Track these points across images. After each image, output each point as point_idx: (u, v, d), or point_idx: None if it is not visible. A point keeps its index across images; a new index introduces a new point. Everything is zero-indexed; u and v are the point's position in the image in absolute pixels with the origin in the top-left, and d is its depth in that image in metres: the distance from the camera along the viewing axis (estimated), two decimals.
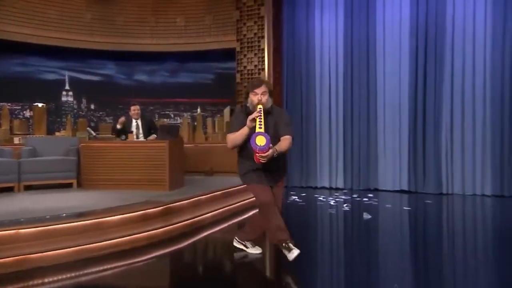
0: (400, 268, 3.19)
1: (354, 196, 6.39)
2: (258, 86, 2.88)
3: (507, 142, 6.16)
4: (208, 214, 4.63)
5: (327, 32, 7.32)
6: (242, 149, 3.01)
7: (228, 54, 7.57)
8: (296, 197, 6.32)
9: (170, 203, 4.37)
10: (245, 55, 7.19)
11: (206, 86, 8.29)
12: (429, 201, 5.89)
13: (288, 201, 6.05)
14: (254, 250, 3.34)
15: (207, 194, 5.12)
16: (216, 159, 7.39)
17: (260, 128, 2.69)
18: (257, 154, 2.65)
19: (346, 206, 5.62)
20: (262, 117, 2.73)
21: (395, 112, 6.87)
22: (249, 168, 2.97)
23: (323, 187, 7.33)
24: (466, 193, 6.40)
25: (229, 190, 5.66)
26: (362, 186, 7.02)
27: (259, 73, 7.06)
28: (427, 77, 6.58)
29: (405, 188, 6.75)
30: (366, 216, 4.86)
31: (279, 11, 7.29)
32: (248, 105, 2.95)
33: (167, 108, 8.54)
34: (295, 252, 2.88)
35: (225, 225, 4.58)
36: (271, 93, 2.93)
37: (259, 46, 7.06)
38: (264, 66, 7.00)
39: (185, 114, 8.41)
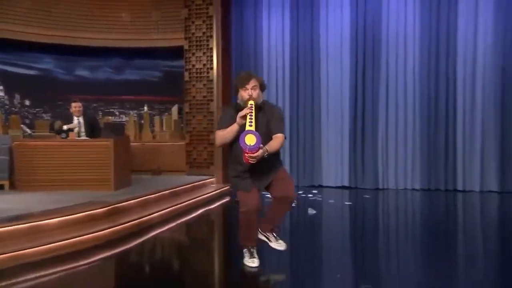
0: (342, 260, 3.36)
1: (300, 192, 6.59)
2: (248, 80, 2.64)
3: (433, 140, 6.72)
4: (156, 214, 4.51)
5: (274, 34, 7.46)
6: (231, 148, 2.78)
7: (177, 52, 7.41)
8: None
9: (116, 203, 4.18)
10: (193, 54, 7.08)
11: (154, 84, 8.04)
12: (367, 196, 6.26)
13: (236, 199, 6.08)
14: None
15: (155, 194, 4.98)
16: (164, 158, 7.20)
17: (251, 125, 2.46)
18: (246, 154, 2.43)
19: (293, 203, 5.77)
20: (253, 114, 2.52)
21: (337, 112, 7.20)
22: (238, 170, 2.76)
23: None
24: (399, 188, 6.89)
25: (177, 189, 5.57)
26: (307, 182, 7.26)
27: (208, 72, 7.00)
28: (366, 79, 6.97)
29: (346, 184, 7.09)
30: (311, 211, 5.04)
31: (228, 11, 7.28)
32: (238, 101, 2.72)
33: (111, 105, 8.14)
34: (255, 262, 2.87)
35: (174, 224, 4.50)
36: (262, 87, 2.72)
37: (208, 45, 7.00)
38: (213, 66, 6.95)
39: (131, 112, 8.08)
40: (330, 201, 5.95)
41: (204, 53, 7.01)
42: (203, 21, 6.97)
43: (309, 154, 7.28)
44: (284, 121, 2.79)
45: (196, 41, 7.03)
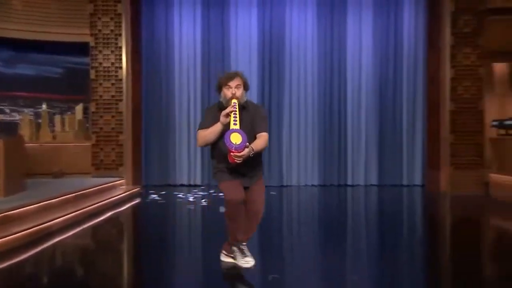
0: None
1: (211, 191, 6.64)
2: (232, 78, 2.54)
3: (328, 141, 7.38)
4: (57, 220, 4.10)
5: (185, 35, 7.38)
6: (214, 148, 2.64)
7: (81, 49, 6.82)
8: (156, 196, 6.19)
9: (8, 211, 3.70)
10: (100, 51, 6.60)
11: (54, 81, 7.26)
12: (273, 193, 6.60)
13: (147, 200, 5.88)
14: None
15: (56, 198, 4.53)
16: (66, 160, 6.57)
17: (235, 124, 2.35)
18: (231, 154, 2.30)
19: (203, 201, 5.81)
20: (237, 112, 2.41)
21: None
22: (221, 168, 2.62)
23: (182, 185, 7.37)
24: (300, 184, 7.42)
25: (82, 192, 5.15)
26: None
27: (117, 71, 6.61)
28: (272, 83, 7.34)
29: None
30: (222, 209, 5.13)
31: (138, 10, 6.98)
32: (221, 100, 2.61)
33: (1, 102, 7.12)
34: (250, 261, 2.61)
35: (79, 229, 4.15)
36: (246, 87, 2.62)
37: (116, 43, 6.59)
38: (122, 65, 6.58)
39: (25, 110, 7.18)
40: None
41: (112, 51, 6.59)
42: (111, 18, 6.55)
43: None
44: (267, 121, 2.69)
45: (104, 38, 6.57)
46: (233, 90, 2.51)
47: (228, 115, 2.40)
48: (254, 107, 2.67)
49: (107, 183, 5.93)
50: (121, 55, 6.58)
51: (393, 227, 4.43)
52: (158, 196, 6.15)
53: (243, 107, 2.55)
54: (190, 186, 7.29)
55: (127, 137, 6.60)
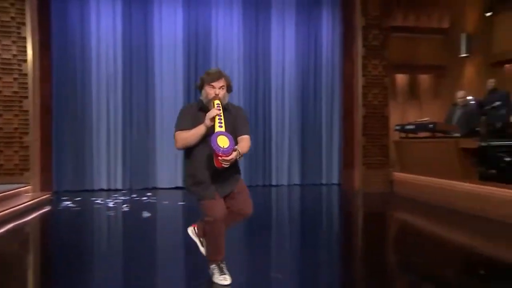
0: (178, 256, 3.37)
1: (134, 196, 6.25)
2: (218, 78, 2.38)
3: (253, 142, 7.45)
4: None
5: (104, 31, 6.86)
6: (192, 152, 2.40)
7: None
8: (70, 202, 5.60)
9: None
10: None
11: None
12: None
13: (59, 208, 5.28)
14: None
15: None
16: None
17: (221, 127, 2.22)
18: (219, 158, 2.15)
19: (125, 206, 5.43)
20: (222, 114, 2.28)
21: (172, 114, 7.17)
22: (198, 178, 2.39)
23: (101, 189, 6.81)
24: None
25: None
26: (141, 185, 6.96)
27: (20, 65, 5.82)
28: (197, 81, 7.22)
29: (180, 185, 7.13)
30: (146, 214, 4.86)
31: (46, 0, 6.25)
32: (201, 98, 2.43)
33: None
34: (228, 279, 2.47)
35: None
36: (229, 89, 2.46)
37: (19, 33, 5.79)
38: (27, 58, 5.82)
39: None
40: (165, 202, 5.87)
41: (14, 42, 5.79)
42: (11, 4, 5.74)
43: (143, 156, 7.01)
44: (248, 123, 2.56)
45: (2, 26, 5.74)
46: (216, 91, 2.38)
47: (213, 118, 2.26)
48: (235, 109, 2.55)
49: (9, 191, 5.18)
50: (25, 46, 5.82)
51: (313, 223, 4.66)
52: (73, 203, 5.57)
53: (225, 109, 2.42)
54: (110, 191, 6.77)
55: (34, 138, 5.86)
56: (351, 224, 5.10)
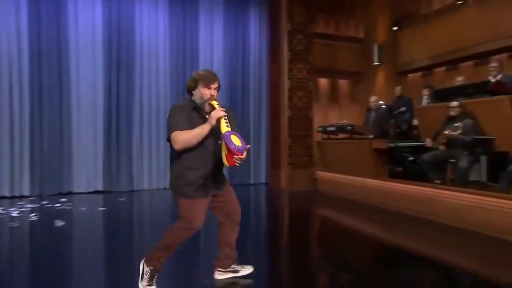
0: (95, 269, 3.07)
1: (44, 203, 5.59)
2: (214, 80, 2.37)
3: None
4: None
5: (5, 24, 6.01)
6: (183, 152, 2.30)
7: None
8: None
9: None
10: None
11: None
12: (123, 199, 6.04)
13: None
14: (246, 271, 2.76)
15: None
16: None
17: (228, 126, 2.22)
18: (235, 157, 2.17)
19: (34, 215, 4.81)
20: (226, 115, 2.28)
21: (89, 114, 6.58)
22: (197, 177, 2.33)
23: (4, 197, 5.96)
24: (152, 188, 7.03)
25: None
26: (54, 190, 6.26)
27: None
28: (120, 80, 6.71)
29: (100, 188, 6.60)
30: (59, 223, 4.36)
31: None
32: (193, 98, 2.38)
33: None
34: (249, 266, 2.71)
35: None
36: (219, 89, 2.46)
37: None
38: None
39: None
40: (82, 208, 5.34)
41: None
42: None
43: (56, 159, 6.31)
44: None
45: None
46: (212, 92, 2.37)
47: (219, 119, 2.26)
48: (227, 109, 2.48)
49: None
50: None
51: (241, 222, 4.65)
52: None
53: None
54: (15, 198, 5.96)
55: None
56: (279, 219, 5.22)
